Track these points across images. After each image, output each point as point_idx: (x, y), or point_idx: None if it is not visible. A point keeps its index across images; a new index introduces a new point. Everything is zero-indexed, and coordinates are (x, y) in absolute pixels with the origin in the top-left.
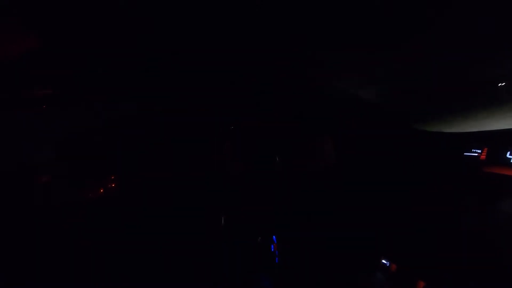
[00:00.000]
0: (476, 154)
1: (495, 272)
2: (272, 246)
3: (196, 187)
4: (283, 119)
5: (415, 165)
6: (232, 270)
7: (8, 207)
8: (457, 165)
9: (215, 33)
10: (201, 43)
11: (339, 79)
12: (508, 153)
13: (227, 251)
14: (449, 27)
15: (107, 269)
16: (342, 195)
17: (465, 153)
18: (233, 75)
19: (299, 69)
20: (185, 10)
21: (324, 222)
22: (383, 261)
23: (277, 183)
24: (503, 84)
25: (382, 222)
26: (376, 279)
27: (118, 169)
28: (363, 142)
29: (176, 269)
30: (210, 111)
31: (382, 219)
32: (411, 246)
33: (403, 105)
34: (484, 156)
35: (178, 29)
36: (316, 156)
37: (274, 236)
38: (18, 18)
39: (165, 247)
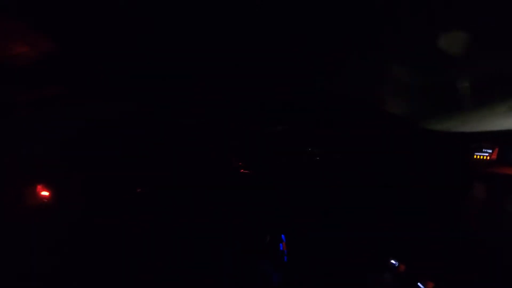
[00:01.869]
0: (487, 154)
1: (504, 273)
2: (281, 245)
3: (207, 189)
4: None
5: (425, 166)
6: (238, 268)
7: (8, 206)
8: (468, 166)
9: (214, 33)
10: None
11: (347, 79)
12: None
13: (235, 249)
14: (458, 22)
15: (110, 268)
16: (351, 195)
17: (476, 153)
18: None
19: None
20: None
21: (333, 222)
22: (392, 261)
23: (287, 184)
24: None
25: (391, 223)
26: (385, 279)
27: (120, 169)
28: (375, 142)
29: (185, 266)
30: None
31: (391, 220)
32: (420, 247)
33: (415, 105)
34: (495, 156)
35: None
36: (320, 158)
37: (283, 235)
38: (17, 19)
39: (174, 246)
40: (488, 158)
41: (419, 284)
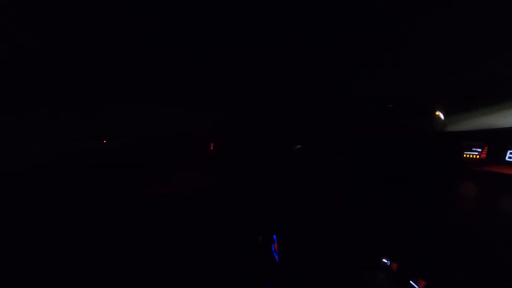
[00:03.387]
0: (477, 153)
1: (497, 272)
2: (273, 245)
3: (198, 191)
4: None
5: (416, 165)
6: (233, 272)
7: (8, 207)
8: (457, 165)
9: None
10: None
11: (340, 78)
12: (509, 152)
13: (228, 250)
14: (451, 24)
15: (105, 268)
16: (342, 194)
17: (465, 152)
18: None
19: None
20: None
21: (324, 221)
22: (384, 260)
23: (278, 183)
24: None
25: (383, 221)
26: (377, 278)
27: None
28: (363, 141)
29: (177, 268)
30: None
31: (382, 218)
32: (412, 245)
33: (405, 103)
34: (485, 155)
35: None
36: (313, 154)
37: (274, 236)
38: (19, 18)
39: (168, 248)
40: (478, 157)
41: (411, 282)
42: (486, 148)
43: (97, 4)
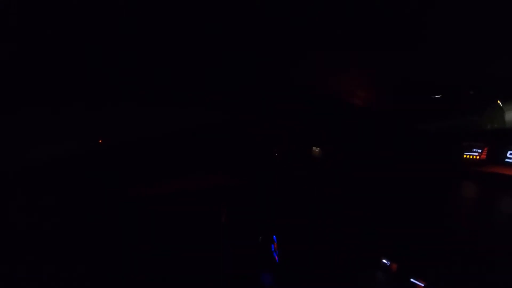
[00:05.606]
0: (477, 154)
1: (496, 272)
2: (273, 245)
3: (200, 189)
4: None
5: (416, 165)
6: (233, 269)
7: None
8: (457, 165)
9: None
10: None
11: (337, 80)
12: (509, 153)
13: (228, 251)
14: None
15: (106, 265)
16: (342, 195)
17: (465, 153)
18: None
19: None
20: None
21: (324, 221)
22: (384, 260)
23: (277, 184)
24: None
25: (383, 222)
26: (377, 278)
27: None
28: (364, 142)
29: (178, 268)
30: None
31: (382, 219)
32: (412, 246)
33: (405, 104)
34: (485, 156)
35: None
36: (315, 155)
37: (274, 236)
38: (18, 16)
39: (167, 247)
40: (478, 157)
41: (411, 281)
42: (486, 149)
43: (91, 4)
